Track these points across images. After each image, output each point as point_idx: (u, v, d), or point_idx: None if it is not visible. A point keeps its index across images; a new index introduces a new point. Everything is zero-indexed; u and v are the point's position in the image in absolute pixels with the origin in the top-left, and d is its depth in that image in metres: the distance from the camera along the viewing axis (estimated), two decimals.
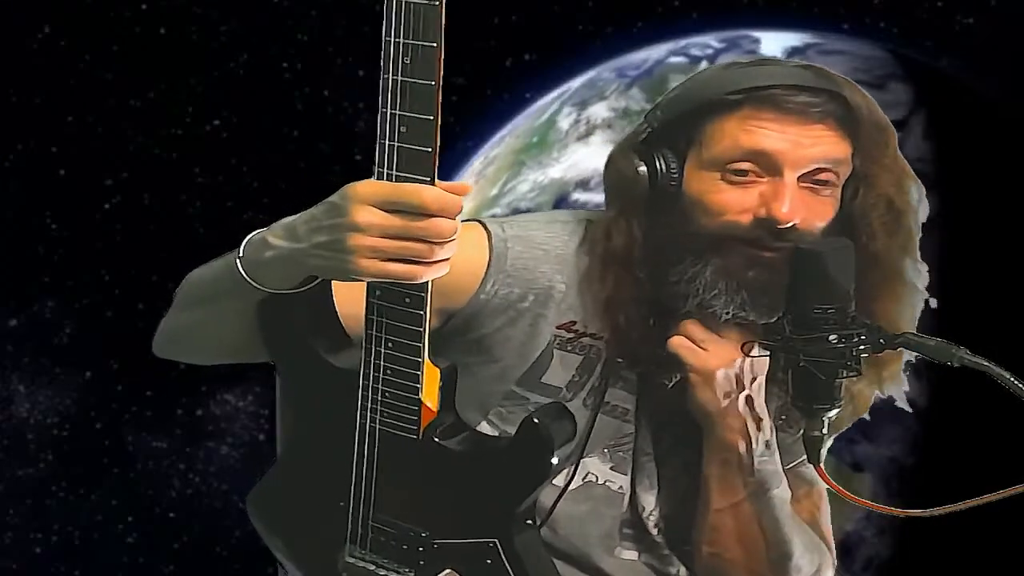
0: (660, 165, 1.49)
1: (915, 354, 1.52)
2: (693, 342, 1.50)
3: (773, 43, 4.38)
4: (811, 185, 1.45)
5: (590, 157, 4.38)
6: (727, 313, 1.45)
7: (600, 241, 1.54)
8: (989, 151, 3.88)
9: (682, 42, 4.40)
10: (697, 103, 1.48)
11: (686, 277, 1.46)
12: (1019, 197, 3.74)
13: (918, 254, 1.54)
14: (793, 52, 4.26)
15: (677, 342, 1.50)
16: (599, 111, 4.45)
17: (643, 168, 1.49)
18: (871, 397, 1.60)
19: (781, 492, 1.55)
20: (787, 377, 1.45)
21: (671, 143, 1.50)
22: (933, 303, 1.56)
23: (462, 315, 1.51)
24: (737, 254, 1.45)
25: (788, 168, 1.43)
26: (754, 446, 1.52)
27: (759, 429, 1.51)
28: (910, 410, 1.60)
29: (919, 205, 1.53)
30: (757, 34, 4.37)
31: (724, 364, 1.49)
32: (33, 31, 4.08)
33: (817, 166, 1.44)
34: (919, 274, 1.54)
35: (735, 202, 1.45)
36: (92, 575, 4.48)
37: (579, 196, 4.33)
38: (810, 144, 1.43)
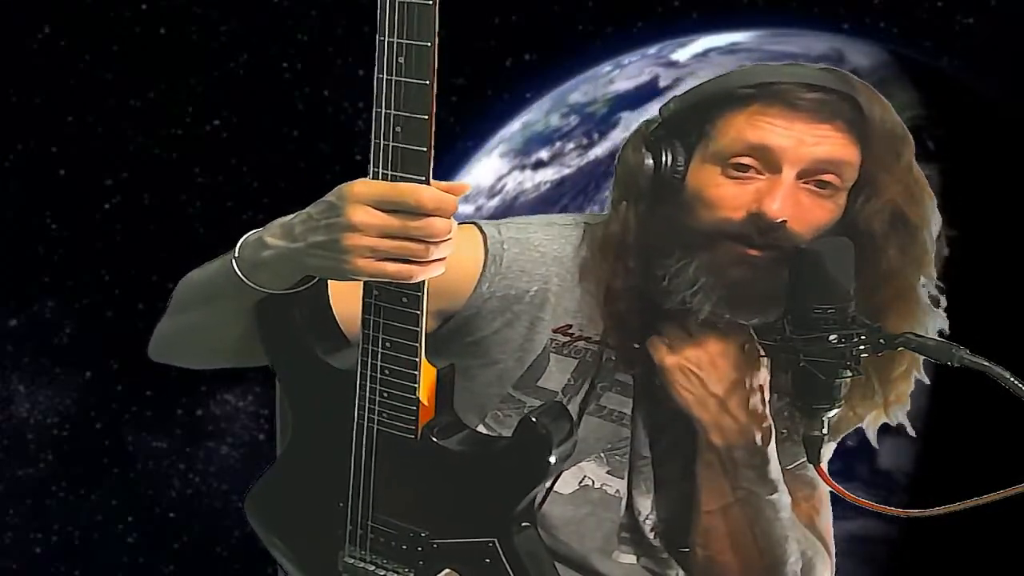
0: (666, 157, 1.48)
1: (920, 379, 1.53)
2: (669, 340, 1.49)
3: (700, 44, 4.37)
4: (812, 186, 1.43)
5: (477, 172, 4.40)
6: (705, 310, 1.43)
7: (600, 235, 1.54)
8: (989, 151, 3.87)
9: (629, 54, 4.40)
10: (709, 97, 1.47)
11: (671, 272, 1.45)
12: (1019, 197, 3.73)
13: (934, 272, 1.51)
14: (704, 53, 4.25)
15: (653, 340, 1.50)
16: (514, 126, 4.46)
17: (649, 159, 1.48)
18: (879, 417, 1.58)
19: (777, 499, 1.54)
20: (787, 377, 1.45)
21: (681, 136, 1.49)
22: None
23: (459, 317, 1.51)
24: (723, 251, 1.43)
25: (788, 165, 1.41)
26: (739, 450, 1.50)
27: (747, 433, 1.50)
28: (913, 433, 1.59)
29: (934, 220, 1.50)
30: (695, 36, 4.35)
31: (695, 366, 1.47)
32: (33, 31, 4.07)
33: (819, 166, 1.42)
34: (935, 293, 1.51)
35: (731, 197, 1.43)
36: (92, 575, 4.48)
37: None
38: (813, 143, 1.42)
